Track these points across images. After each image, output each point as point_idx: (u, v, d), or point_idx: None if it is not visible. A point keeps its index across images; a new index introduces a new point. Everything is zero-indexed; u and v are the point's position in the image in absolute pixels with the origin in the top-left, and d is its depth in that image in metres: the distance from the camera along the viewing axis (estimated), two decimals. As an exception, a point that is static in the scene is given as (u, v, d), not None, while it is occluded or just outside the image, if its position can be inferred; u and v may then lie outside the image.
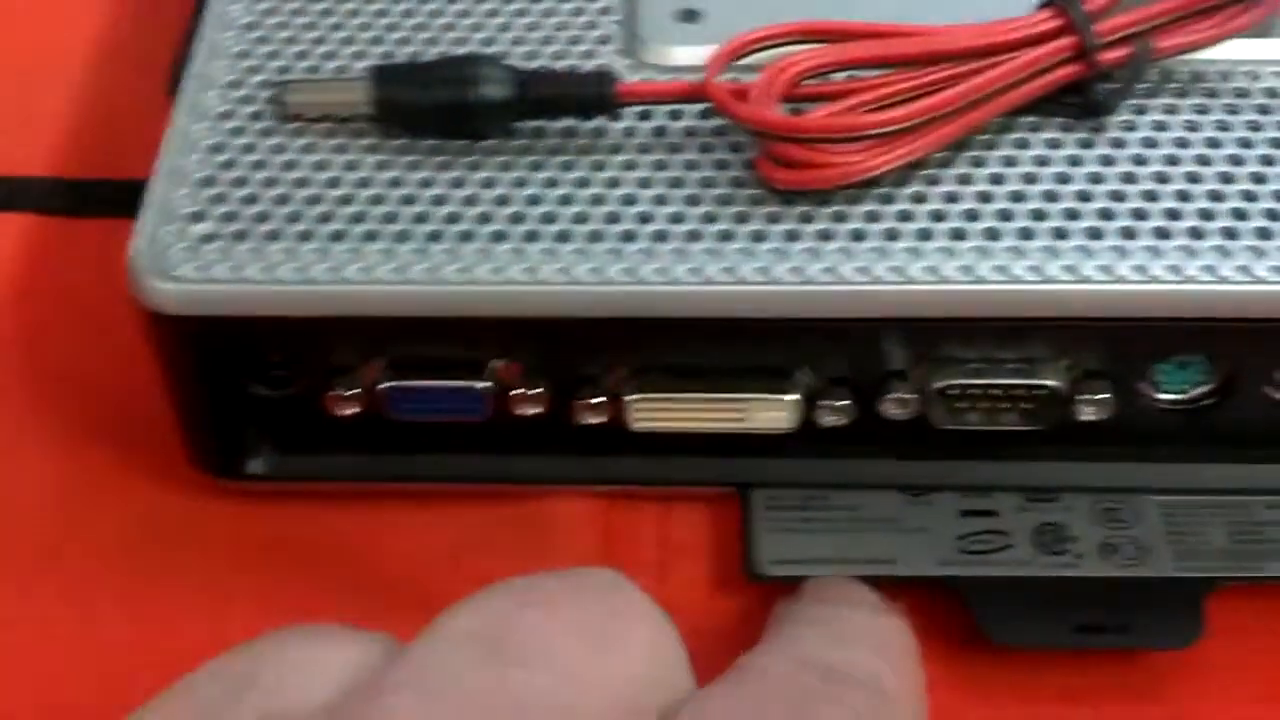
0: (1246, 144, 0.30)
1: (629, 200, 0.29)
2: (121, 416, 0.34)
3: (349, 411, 0.30)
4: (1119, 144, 0.30)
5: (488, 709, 0.19)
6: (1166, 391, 0.30)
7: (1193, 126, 0.30)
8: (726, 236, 0.29)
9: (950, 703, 0.29)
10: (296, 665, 0.21)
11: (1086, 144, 0.30)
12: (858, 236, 0.28)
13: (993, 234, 0.28)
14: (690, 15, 0.33)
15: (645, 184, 0.30)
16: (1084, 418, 0.29)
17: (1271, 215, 0.28)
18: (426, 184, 0.30)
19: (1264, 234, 0.28)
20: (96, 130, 0.40)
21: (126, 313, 0.32)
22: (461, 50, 0.32)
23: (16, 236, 0.38)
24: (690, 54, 0.32)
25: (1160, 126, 0.30)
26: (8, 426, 0.34)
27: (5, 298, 0.37)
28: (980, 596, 0.29)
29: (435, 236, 0.29)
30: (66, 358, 0.36)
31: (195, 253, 0.29)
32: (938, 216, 0.29)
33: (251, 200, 0.29)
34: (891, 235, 0.28)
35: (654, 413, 0.30)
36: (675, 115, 0.31)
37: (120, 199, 0.38)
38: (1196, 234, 0.28)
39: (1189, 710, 0.29)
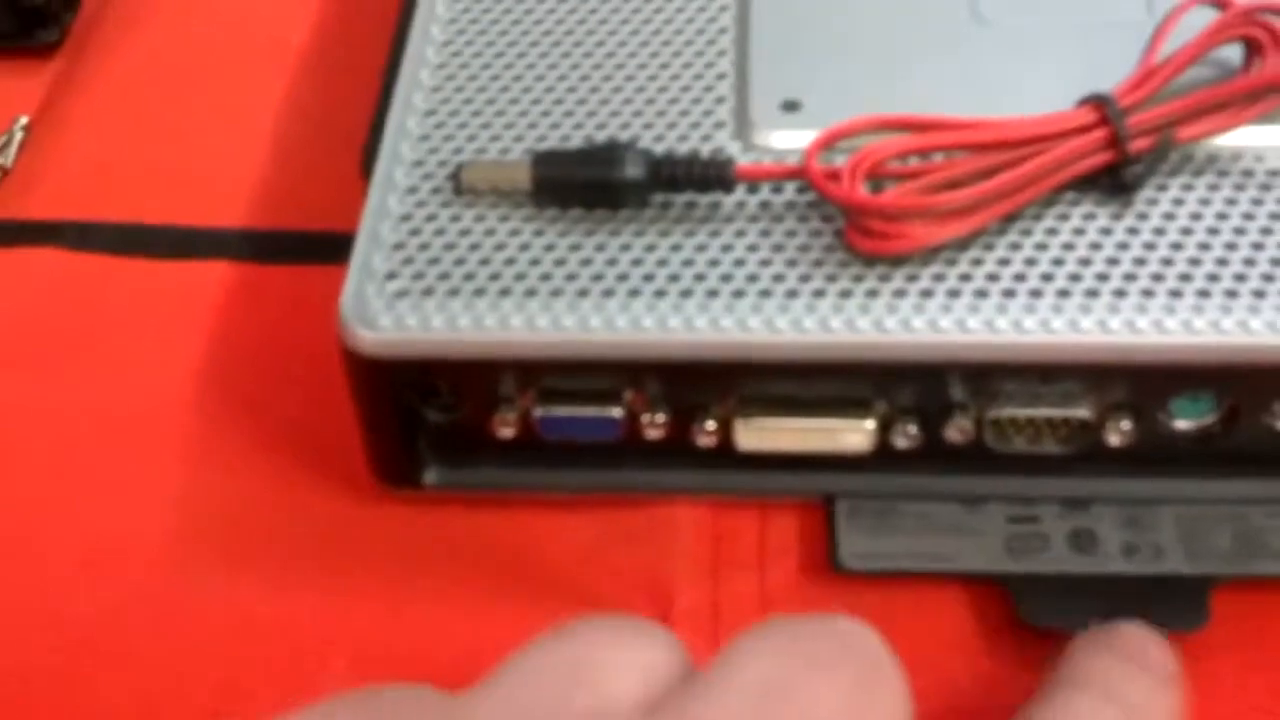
0: (1250, 216, 0.36)
1: (739, 262, 0.36)
2: (311, 436, 0.40)
3: (507, 434, 0.37)
4: (1143, 217, 0.36)
5: None
6: (1181, 420, 0.36)
7: (1205, 202, 0.36)
8: (819, 294, 0.35)
9: (996, 674, 0.35)
10: (610, 664, 0.24)
11: (1116, 217, 0.36)
12: (926, 294, 0.35)
13: (1036, 293, 0.35)
14: (792, 105, 0.39)
15: (753, 249, 0.36)
16: (1111, 443, 0.36)
17: (1267, 277, 0.35)
18: (575, 248, 0.36)
19: (1259, 294, 0.34)
20: (286, 187, 0.47)
21: (315, 348, 0.39)
22: (602, 134, 0.39)
23: (218, 281, 0.44)
24: (792, 138, 0.38)
25: (1178, 202, 0.36)
26: (217, 444, 0.40)
27: (210, 335, 0.43)
28: (1023, 589, 0.36)
29: (582, 293, 0.35)
30: (263, 385, 0.42)
31: (391, 306, 0.35)
32: (992, 278, 0.35)
33: (435, 262, 0.36)
34: (953, 293, 0.35)
35: (757, 435, 0.36)
36: (778, 190, 0.37)
37: (304, 249, 0.45)
38: (1204, 293, 0.34)
39: (1195, 684, 0.34)
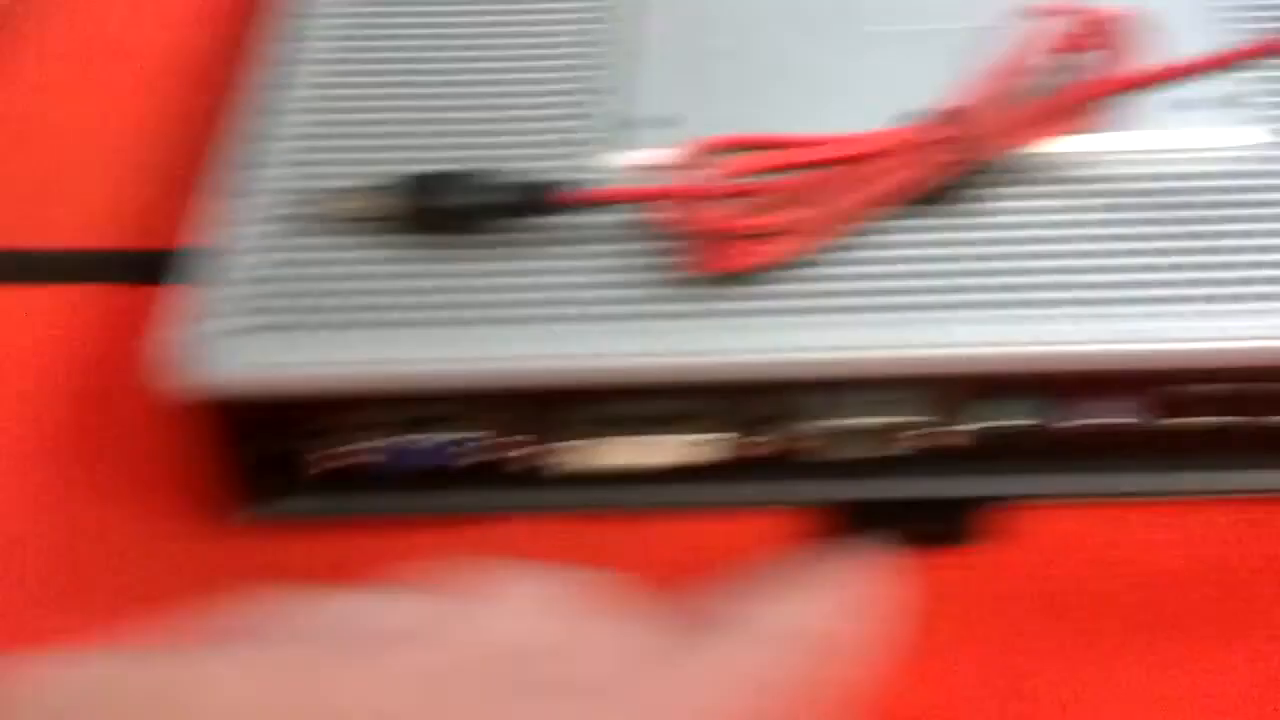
0: (1078, 224, 0.37)
1: (581, 286, 0.36)
2: (154, 466, 0.40)
3: (345, 462, 0.37)
4: (975, 227, 0.37)
5: None
6: (993, 421, 0.37)
7: (1038, 210, 0.37)
8: (654, 316, 0.36)
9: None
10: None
11: (949, 228, 0.37)
12: (755, 313, 0.36)
13: (854, 309, 0.36)
14: (655, 122, 0.40)
15: (596, 271, 0.37)
16: (924, 445, 0.37)
17: (1087, 286, 0.35)
18: (416, 277, 0.37)
19: (1052, 304, 0.35)
20: (134, 204, 0.47)
21: (164, 379, 0.39)
22: (459, 156, 0.39)
23: (63, 305, 0.44)
24: (651, 156, 0.39)
25: (1013, 211, 0.37)
26: (54, 479, 0.40)
27: (53, 361, 0.43)
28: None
29: (427, 323, 0.36)
30: (103, 413, 0.41)
31: (232, 344, 0.36)
32: (819, 295, 0.36)
33: (279, 295, 0.37)
34: (779, 312, 0.36)
35: (594, 454, 0.37)
36: (627, 209, 0.38)
37: (153, 268, 0.44)
38: (1026, 303, 0.35)
39: (959, 597, 0.37)
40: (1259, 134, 0.39)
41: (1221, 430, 0.37)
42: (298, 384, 0.36)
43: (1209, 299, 0.35)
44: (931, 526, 0.37)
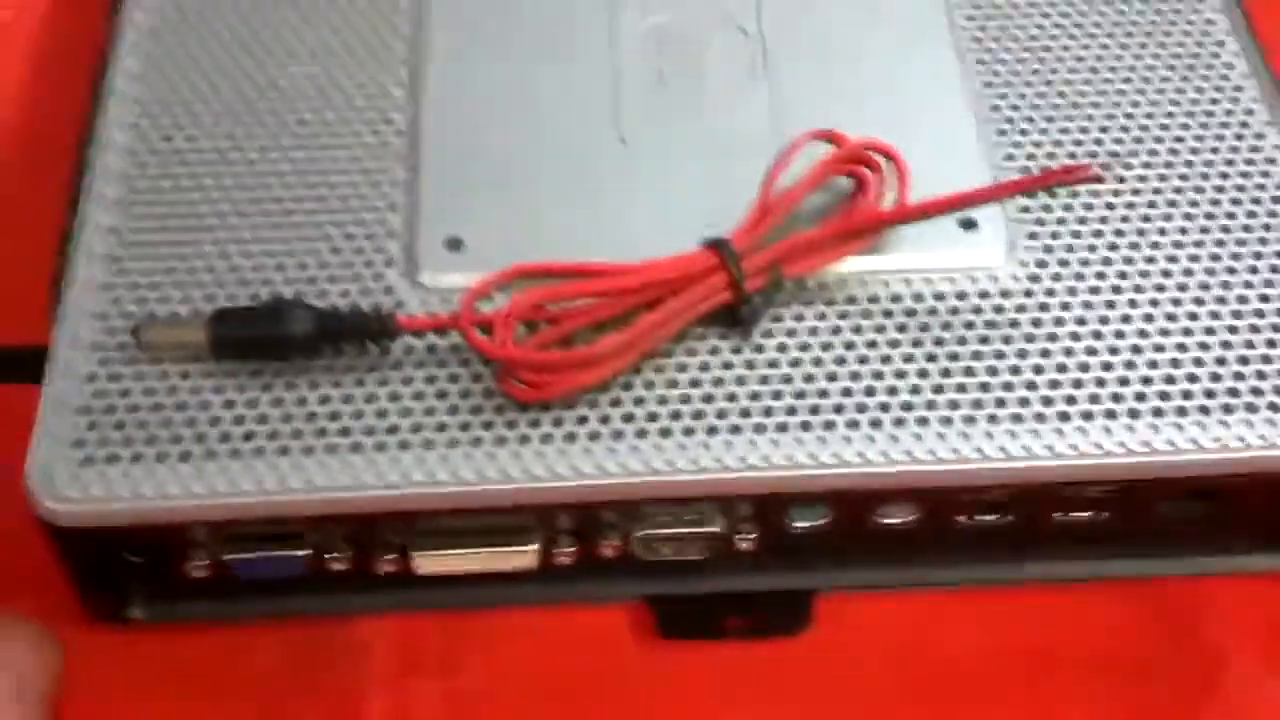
0: (850, 345, 0.41)
1: (406, 412, 0.40)
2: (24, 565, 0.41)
3: (202, 575, 0.40)
4: (759, 349, 0.41)
5: None
6: (800, 522, 0.41)
7: (814, 332, 0.41)
8: (477, 442, 0.39)
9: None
10: None
11: (736, 350, 0.41)
12: (571, 438, 0.39)
13: (665, 432, 0.39)
14: (456, 244, 0.43)
15: (418, 397, 0.40)
16: (742, 548, 0.41)
17: (860, 408, 0.40)
18: (252, 405, 0.39)
19: (853, 424, 0.40)
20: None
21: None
22: (282, 272, 0.42)
23: None
24: (458, 278, 0.42)
25: (790, 333, 0.41)
26: None
27: None
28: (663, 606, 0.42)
29: (259, 452, 0.39)
30: None
31: (77, 476, 0.38)
32: (628, 418, 0.40)
33: (119, 426, 0.39)
34: (594, 436, 0.39)
35: (433, 562, 0.40)
36: (442, 333, 0.41)
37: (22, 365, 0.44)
38: (806, 426, 0.40)
39: (802, 671, 0.42)
40: (1007, 261, 0.43)
41: (1002, 527, 0.42)
42: (153, 515, 0.38)
43: (968, 420, 0.40)
44: (749, 618, 0.42)
